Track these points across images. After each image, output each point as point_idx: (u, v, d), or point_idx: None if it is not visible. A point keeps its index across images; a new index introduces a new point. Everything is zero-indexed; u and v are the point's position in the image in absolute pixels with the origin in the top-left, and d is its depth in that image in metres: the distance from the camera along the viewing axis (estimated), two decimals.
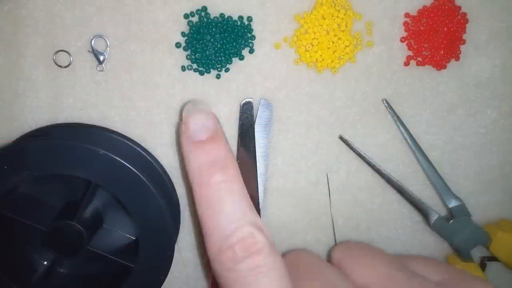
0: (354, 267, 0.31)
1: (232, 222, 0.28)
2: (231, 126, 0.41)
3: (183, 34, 0.39)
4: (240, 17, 0.39)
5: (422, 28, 0.39)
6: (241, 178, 0.30)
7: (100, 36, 0.39)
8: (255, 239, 0.27)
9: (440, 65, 0.40)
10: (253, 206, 0.29)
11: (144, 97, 0.40)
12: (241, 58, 0.39)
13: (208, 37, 0.38)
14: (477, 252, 0.43)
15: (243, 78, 0.40)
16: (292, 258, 0.33)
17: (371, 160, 0.41)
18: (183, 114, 0.32)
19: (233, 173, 0.30)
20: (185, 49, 0.39)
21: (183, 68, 0.39)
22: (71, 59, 0.39)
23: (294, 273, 0.29)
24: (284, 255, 0.37)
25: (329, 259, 0.32)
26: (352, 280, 0.31)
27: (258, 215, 0.29)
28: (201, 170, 0.29)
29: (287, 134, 0.41)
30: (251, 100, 0.40)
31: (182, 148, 0.31)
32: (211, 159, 0.30)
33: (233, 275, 0.26)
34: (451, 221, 0.41)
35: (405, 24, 0.40)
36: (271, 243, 0.28)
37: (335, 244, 0.31)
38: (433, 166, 0.41)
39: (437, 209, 0.42)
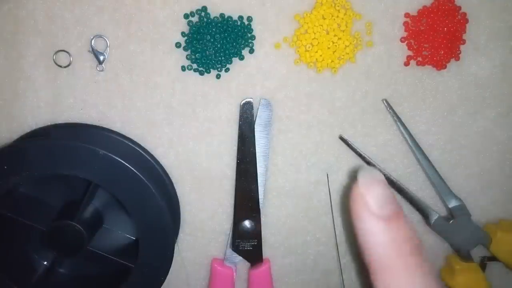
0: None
1: None
2: (231, 126, 0.41)
3: (183, 34, 0.39)
4: (240, 17, 0.39)
5: (422, 28, 0.39)
6: (426, 263, 0.28)
7: (100, 36, 0.39)
8: None
9: (440, 65, 0.40)
10: None
11: (144, 97, 0.40)
12: (241, 58, 0.39)
13: (208, 37, 0.38)
14: (477, 252, 0.43)
15: (243, 78, 0.40)
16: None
17: (371, 160, 0.41)
18: (359, 179, 0.29)
19: (424, 253, 0.27)
20: (185, 49, 0.39)
21: (183, 68, 0.39)
22: (71, 59, 0.39)
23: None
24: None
25: None
26: None
27: None
28: (391, 251, 0.27)
29: (287, 134, 0.41)
30: (251, 100, 0.40)
31: (361, 222, 0.28)
32: (402, 238, 0.28)
33: None
34: (451, 221, 0.41)
35: (405, 24, 0.39)
36: None
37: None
38: (433, 166, 0.41)
39: (437, 209, 0.42)
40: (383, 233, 0.27)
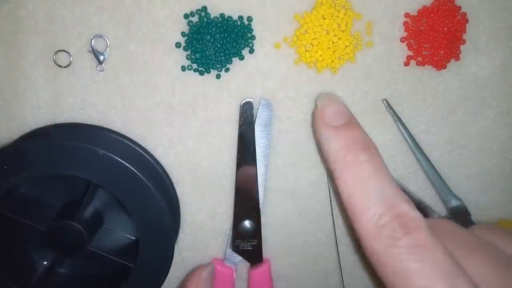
0: (472, 264, 0.28)
1: (385, 199, 0.28)
2: (231, 126, 0.41)
3: (183, 34, 0.39)
4: (240, 17, 0.39)
5: (422, 28, 0.39)
6: (381, 157, 0.31)
7: (100, 36, 0.39)
8: (412, 216, 0.27)
9: (440, 65, 0.40)
10: (397, 187, 0.29)
11: (144, 97, 0.40)
12: (241, 58, 0.39)
13: (208, 37, 0.38)
14: None
15: (243, 78, 0.40)
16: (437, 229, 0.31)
17: None
18: (317, 102, 0.35)
19: (376, 153, 0.31)
20: (185, 49, 0.39)
21: (183, 68, 0.39)
22: (71, 59, 0.39)
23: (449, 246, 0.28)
24: None
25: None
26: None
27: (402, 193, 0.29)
28: (344, 152, 0.31)
29: (287, 134, 0.41)
30: (251, 100, 0.40)
31: (319, 134, 0.33)
32: (352, 140, 0.31)
33: (395, 251, 0.26)
34: (451, 221, 0.41)
35: (405, 24, 0.39)
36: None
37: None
38: (433, 166, 0.41)
39: (437, 209, 0.42)
40: (335, 139, 0.32)
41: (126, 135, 0.40)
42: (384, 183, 0.29)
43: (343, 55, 0.39)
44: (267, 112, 0.40)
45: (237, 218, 0.41)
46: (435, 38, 0.39)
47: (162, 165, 0.41)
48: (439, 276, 0.24)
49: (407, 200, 0.28)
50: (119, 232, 0.41)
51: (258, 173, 0.40)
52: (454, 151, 0.42)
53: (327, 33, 0.39)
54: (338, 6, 0.38)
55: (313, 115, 0.35)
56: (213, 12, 0.38)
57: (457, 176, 0.43)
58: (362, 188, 0.29)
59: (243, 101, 0.40)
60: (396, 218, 0.27)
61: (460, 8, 0.39)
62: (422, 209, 0.42)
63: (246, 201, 0.41)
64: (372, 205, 0.28)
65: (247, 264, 0.43)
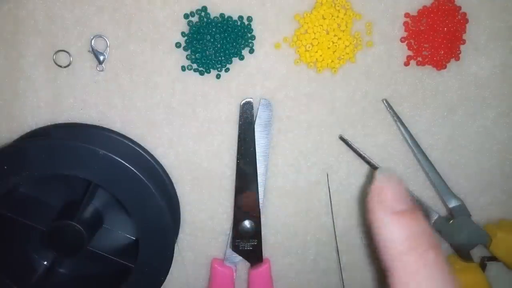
0: None
1: None
2: (231, 126, 0.41)
3: (183, 34, 0.39)
4: (240, 17, 0.39)
5: (422, 28, 0.39)
6: (441, 256, 0.27)
7: (100, 36, 0.39)
8: None
9: (440, 65, 0.40)
10: None
11: (144, 97, 0.40)
12: (241, 58, 0.39)
13: (208, 37, 0.38)
14: (477, 252, 0.43)
15: (243, 78, 0.40)
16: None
17: (371, 160, 0.41)
18: (377, 178, 0.30)
19: (441, 252, 0.27)
20: (185, 49, 0.39)
21: (183, 68, 0.39)
22: (71, 59, 0.39)
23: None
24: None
25: None
26: None
27: None
28: (408, 244, 0.27)
29: (287, 134, 0.41)
30: (251, 100, 0.40)
31: (375, 216, 0.29)
32: (419, 231, 0.27)
33: None
34: (451, 221, 0.41)
35: (405, 24, 0.39)
36: None
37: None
38: (433, 166, 0.41)
39: (437, 209, 0.42)
40: (398, 227, 0.27)
41: (126, 135, 0.40)
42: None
43: (343, 55, 0.39)
44: (267, 112, 0.40)
45: (237, 218, 0.41)
46: (435, 38, 0.39)
47: (162, 165, 0.41)
48: None
49: None
50: (119, 232, 0.41)
51: (258, 173, 0.40)
52: (454, 151, 0.42)
53: (327, 33, 0.39)
54: (338, 6, 0.38)
55: (370, 192, 0.30)
56: (213, 12, 0.38)
57: (457, 176, 0.43)
58: None
59: (243, 101, 0.40)
60: None
61: (460, 8, 0.39)
62: (422, 209, 0.42)
63: (246, 201, 0.41)
64: None
65: (247, 264, 0.43)
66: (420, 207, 0.28)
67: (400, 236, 0.27)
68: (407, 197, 0.29)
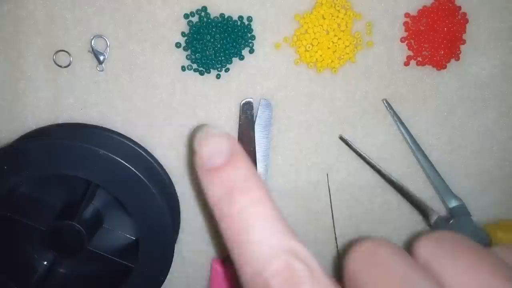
0: (448, 270, 0.22)
1: (264, 252, 0.24)
2: (231, 126, 0.41)
3: (183, 34, 0.39)
4: (240, 17, 0.39)
5: (422, 28, 0.39)
6: (269, 198, 0.25)
7: (100, 36, 0.39)
8: (294, 270, 0.23)
9: (440, 65, 0.40)
10: (289, 228, 0.25)
11: (144, 97, 0.40)
12: (241, 58, 0.39)
13: (208, 37, 0.38)
14: None
15: (243, 78, 0.40)
16: (364, 255, 0.27)
17: (371, 160, 0.41)
18: (194, 144, 0.29)
19: (257, 194, 0.25)
20: (185, 49, 0.39)
21: (183, 68, 0.39)
22: (71, 59, 0.39)
23: (364, 275, 0.24)
24: (355, 244, 0.30)
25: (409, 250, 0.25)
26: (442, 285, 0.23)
27: (295, 237, 0.25)
28: (220, 201, 0.25)
29: (287, 134, 0.41)
30: (251, 100, 0.40)
31: (200, 181, 0.27)
32: (229, 185, 0.26)
33: None
34: (451, 221, 0.41)
35: (405, 24, 0.39)
36: (314, 268, 0.23)
37: (423, 235, 0.24)
38: (433, 166, 0.41)
39: (437, 209, 0.42)
40: (211, 184, 0.25)
41: (126, 135, 0.40)
42: (265, 232, 0.24)
43: (343, 55, 0.39)
44: (267, 112, 0.40)
45: None
46: (435, 38, 0.39)
47: (162, 165, 0.41)
48: None
49: (290, 249, 0.24)
50: (119, 232, 0.41)
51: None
52: (454, 151, 0.42)
53: (327, 33, 0.39)
54: (338, 6, 0.38)
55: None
56: (213, 12, 0.38)
57: (457, 176, 0.43)
58: (240, 242, 0.24)
59: (243, 101, 0.40)
60: (273, 276, 0.22)
61: (460, 8, 0.39)
62: (422, 209, 0.42)
63: None
64: (250, 262, 0.23)
65: None
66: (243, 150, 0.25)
67: (214, 195, 0.25)
68: (224, 147, 0.26)
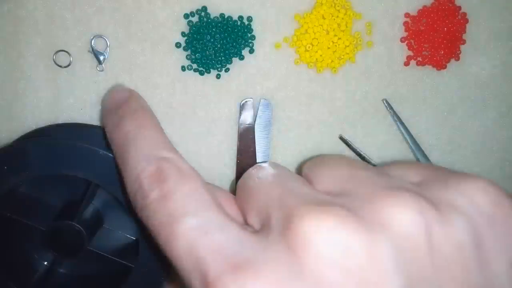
0: (318, 173, 0.25)
1: (140, 160, 0.26)
2: (231, 126, 0.41)
3: (183, 34, 0.39)
4: (240, 17, 0.39)
5: (422, 28, 0.39)
6: (153, 123, 0.29)
7: (100, 36, 0.39)
8: (163, 170, 0.25)
9: (440, 65, 0.40)
10: (167, 143, 0.28)
11: (144, 97, 0.40)
12: (241, 58, 0.39)
13: (208, 37, 0.38)
14: None
15: (243, 78, 0.40)
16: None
17: (371, 160, 0.41)
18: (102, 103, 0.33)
19: (142, 120, 0.29)
20: (185, 49, 0.39)
21: (183, 68, 0.39)
22: (71, 59, 0.39)
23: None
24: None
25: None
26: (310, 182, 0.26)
27: (171, 149, 0.27)
28: (114, 127, 0.29)
29: (287, 134, 0.41)
30: (251, 100, 0.40)
31: (103, 123, 0.31)
32: (122, 114, 0.30)
33: (146, 213, 0.24)
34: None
35: (405, 24, 0.40)
36: (182, 167, 0.25)
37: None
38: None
39: None
40: (112, 115, 0.31)
41: None
42: (143, 142, 0.28)
43: (343, 55, 0.39)
44: (267, 112, 0.40)
45: None
46: (435, 38, 0.39)
47: None
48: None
49: (163, 156, 0.26)
50: (119, 232, 0.41)
51: None
52: (454, 151, 0.42)
53: (327, 33, 0.39)
54: (338, 6, 0.38)
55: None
56: (213, 12, 0.38)
57: None
58: (122, 153, 0.27)
59: (243, 101, 0.40)
60: (146, 178, 0.25)
61: (460, 8, 0.39)
62: None
63: None
64: (130, 170, 0.26)
65: None
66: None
67: (111, 121, 0.30)
68: (125, 92, 0.33)
